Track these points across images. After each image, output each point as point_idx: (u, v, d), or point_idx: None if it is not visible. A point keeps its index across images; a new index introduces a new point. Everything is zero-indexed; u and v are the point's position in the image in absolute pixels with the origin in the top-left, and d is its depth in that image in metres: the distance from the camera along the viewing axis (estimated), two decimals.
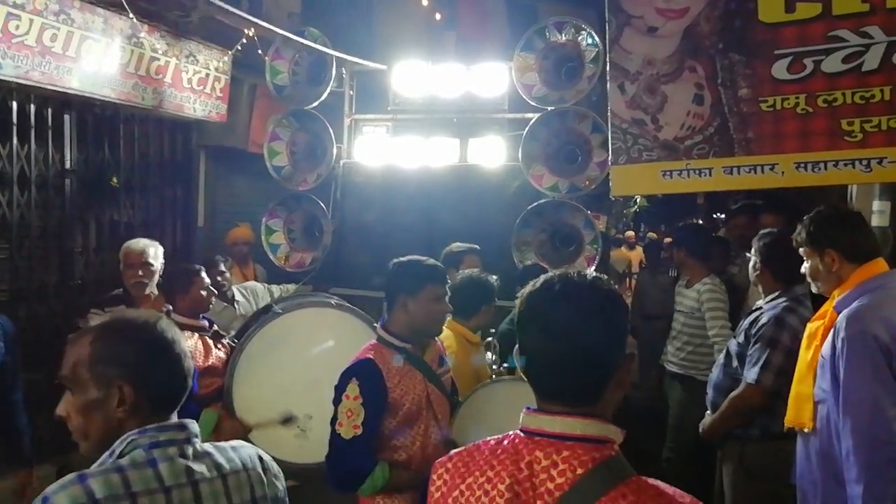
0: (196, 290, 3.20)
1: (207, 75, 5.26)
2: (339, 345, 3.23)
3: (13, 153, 4.27)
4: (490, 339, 3.25)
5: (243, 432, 2.98)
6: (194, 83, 5.17)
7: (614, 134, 2.92)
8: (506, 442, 1.16)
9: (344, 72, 5.15)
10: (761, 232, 3.11)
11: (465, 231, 4.34)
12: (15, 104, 4.25)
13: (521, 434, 1.14)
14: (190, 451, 1.34)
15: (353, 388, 2.18)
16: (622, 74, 2.83)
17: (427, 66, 4.97)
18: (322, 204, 5.01)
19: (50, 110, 4.49)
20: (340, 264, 5.13)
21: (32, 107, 4.36)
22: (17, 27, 3.87)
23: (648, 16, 2.71)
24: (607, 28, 2.88)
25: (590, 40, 4.39)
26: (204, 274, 3.27)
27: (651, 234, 6.68)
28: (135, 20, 4.38)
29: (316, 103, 4.95)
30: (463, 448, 1.24)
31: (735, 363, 3.04)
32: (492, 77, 4.84)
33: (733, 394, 2.97)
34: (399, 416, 2.27)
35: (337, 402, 2.20)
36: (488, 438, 1.20)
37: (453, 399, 2.61)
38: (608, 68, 2.93)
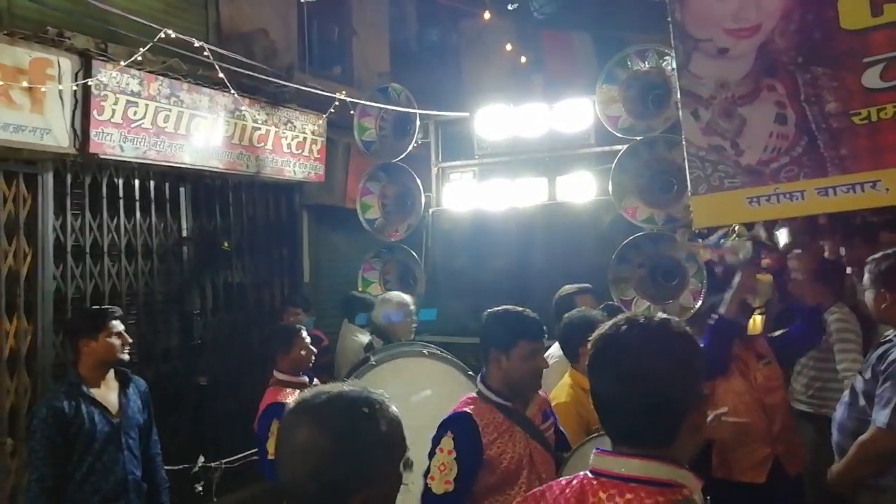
0: (297, 350, 3.33)
1: (305, 139, 5.60)
2: (436, 394, 3.25)
3: (137, 227, 4.72)
4: None
5: None
6: (293, 148, 5.52)
7: (691, 163, 2.78)
8: (574, 482, 1.18)
9: (429, 122, 5.29)
10: (878, 255, 2.79)
11: (558, 271, 4.26)
12: (137, 182, 4.72)
13: (590, 475, 1.16)
14: None
15: (447, 442, 2.14)
16: (695, 101, 2.69)
17: (509, 108, 5.00)
18: (414, 253, 5.11)
19: (167, 185, 4.94)
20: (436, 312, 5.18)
21: (152, 183, 4.82)
22: (135, 112, 4.34)
23: (717, 38, 2.57)
24: (674, 54, 2.77)
25: (675, 65, 4.24)
26: (304, 333, 3.41)
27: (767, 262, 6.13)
28: (236, 96, 4.75)
29: (403, 156, 5.11)
30: (536, 489, 1.27)
31: (862, 402, 2.72)
32: (576, 112, 4.78)
33: (861, 438, 2.65)
34: (497, 474, 2.19)
35: (431, 454, 2.17)
36: (560, 479, 1.23)
37: (560, 455, 2.47)
38: (679, 96, 2.81)
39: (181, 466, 3.44)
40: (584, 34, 6.90)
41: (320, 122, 5.64)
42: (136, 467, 3.00)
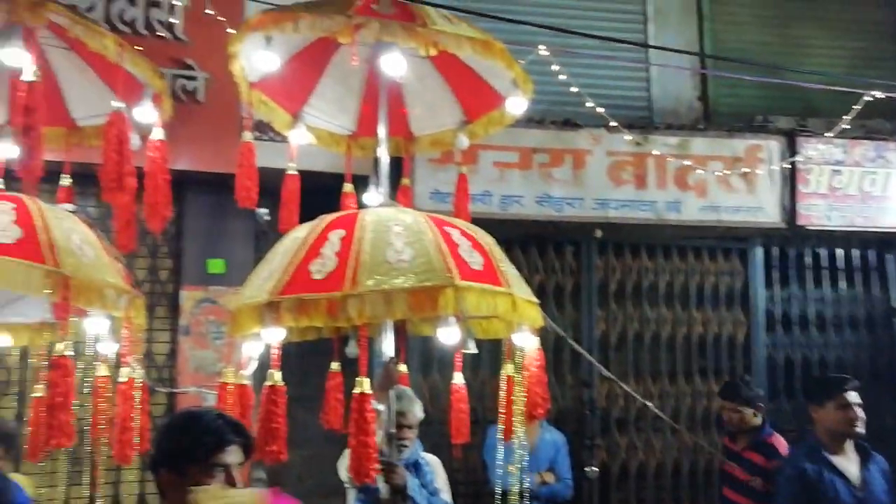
0: None
1: None
2: None
3: (841, 296, 4.59)
4: None
5: None
6: None
7: None
8: None
9: None
10: None
11: None
12: (840, 251, 4.61)
13: None
14: None
15: None
16: None
17: None
18: None
19: (871, 251, 4.65)
20: None
21: (855, 251, 4.63)
22: (840, 181, 4.31)
23: None
24: None
25: None
26: None
27: None
28: None
29: None
30: None
31: None
32: None
33: None
34: None
35: None
36: None
37: None
38: None
39: None
40: None
41: None
42: None
